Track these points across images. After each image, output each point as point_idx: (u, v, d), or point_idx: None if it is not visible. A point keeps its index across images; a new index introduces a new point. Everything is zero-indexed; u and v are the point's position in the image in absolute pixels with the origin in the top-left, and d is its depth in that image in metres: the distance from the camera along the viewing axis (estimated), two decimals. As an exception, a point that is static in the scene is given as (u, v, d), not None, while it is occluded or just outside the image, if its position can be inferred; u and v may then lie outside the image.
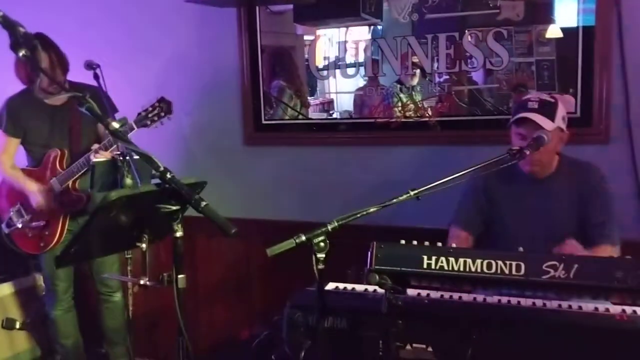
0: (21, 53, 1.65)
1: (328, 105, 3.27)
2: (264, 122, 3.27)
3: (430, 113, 2.93)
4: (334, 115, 3.23)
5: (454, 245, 1.74)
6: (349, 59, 3.15)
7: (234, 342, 3.35)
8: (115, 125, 1.58)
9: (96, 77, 2.91)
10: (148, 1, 3.46)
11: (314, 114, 3.25)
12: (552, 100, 2.28)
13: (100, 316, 3.25)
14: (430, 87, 2.95)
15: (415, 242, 1.70)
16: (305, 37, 3.23)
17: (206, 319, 3.46)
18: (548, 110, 2.21)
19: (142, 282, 1.65)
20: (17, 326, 3.38)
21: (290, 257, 1.64)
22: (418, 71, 2.94)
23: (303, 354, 1.79)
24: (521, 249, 1.67)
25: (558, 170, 2.33)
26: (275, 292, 3.21)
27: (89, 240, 1.61)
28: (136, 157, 2.55)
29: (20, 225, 3.04)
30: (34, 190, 2.97)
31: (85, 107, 1.56)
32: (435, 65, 2.90)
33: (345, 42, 3.15)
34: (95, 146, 2.82)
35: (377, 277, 1.66)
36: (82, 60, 2.94)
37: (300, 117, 3.23)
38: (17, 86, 3.06)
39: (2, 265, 3.57)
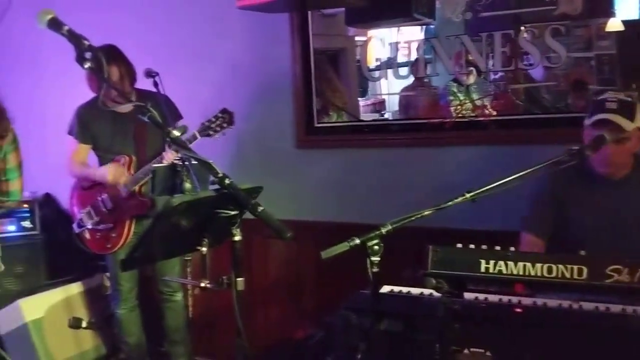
0: (86, 65, 1.73)
1: (379, 106, 3.27)
2: (316, 125, 3.30)
3: (486, 112, 2.88)
4: (386, 116, 3.22)
5: (512, 249, 1.71)
6: (401, 59, 3.14)
7: (288, 343, 3.39)
8: (176, 133, 1.64)
9: (155, 84, 3.00)
10: (203, 9, 3.54)
11: (365, 115, 3.25)
12: (630, 99, 2.19)
13: (162, 316, 3.35)
14: (485, 86, 2.91)
15: (472, 246, 1.68)
16: (357, 38, 3.24)
17: (261, 319, 3.52)
18: (627, 110, 2.13)
19: (202, 284, 1.70)
20: (83, 325, 3.49)
21: (343, 258, 1.65)
22: (473, 70, 2.90)
23: (359, 356, 1.80)
24: (583, 252, 1.63)
25: (633, 171, 2.25)
26: (328, 293, 3.23)
27: (152, 244, 1.67)
28: (194, 162, 2.64)
29: (89, 227, 3.18)
30: (103, 168, 3.08)
31: (147, 116, 1.62)
32: (491, 63, 2.85)
33: (397, 42, 3.14)
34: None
35: (434, 280, 1.65)
36: (140, 68, 3.06)
37: (352, 119, 3.24)
38: (90, 94, 3.18)
39: (70, 266, 3.73)
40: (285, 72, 3.33)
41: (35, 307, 3.42)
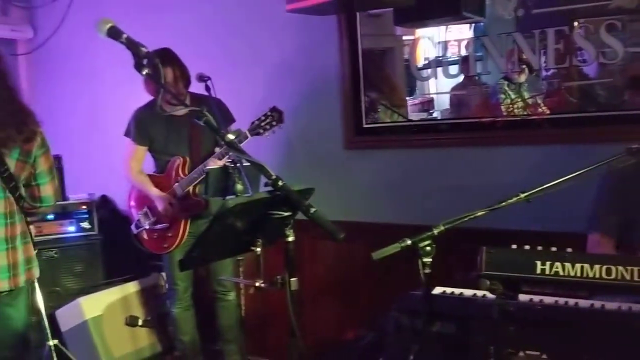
0: (144, 72, 1.79)
1: (428, 105, 3.25)
2: (364, 125, 3.30)
3: (539, 110, 2.83)
4: (434, 115, 3.20)
5: (569, 250, 1.68)
6: (451, 57, 3.11)
7: (338, 343, 3.41)
8: (231, 136, 1.68)
9: (207, 88, 3.07)
10: (252, 12, 3.60)
11: (414, 115, 3.23)
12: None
13: (215, 315, 3.42)
14: (538, 84, 2.85)
15: (527, 247, 1.65)
16: (405, 38, 3.23)
17: (311, 319, 3.54)
18: None
19: (256, 284, 1.74)
20: (140, 323, 3.59)
21: (393, 259, 1.65)
22: (526, 67, 2.85)
23: (412, 358, 1.79)
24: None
25: None
26: (378, 294, 3.23)
27: (208, 245, 1.71)
28: (246, 164, 2.69)
29: (147, 227, 3.29)
30: (156, 196, 3.19)
31: (203, 120, 1.67)
32: (543, 60, 2.80)
33: (446, 41, 3.11)
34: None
35: (488, 282, 1.64)
36: (192, 73, 3.14)
37: (401, 119, 3.23)
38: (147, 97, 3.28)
39: (127, 266, 3.85)
40: (334, 73, 3.35)
41: (94, 305, 3.54)
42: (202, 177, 3.05)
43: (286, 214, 1.62)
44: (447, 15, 2.97)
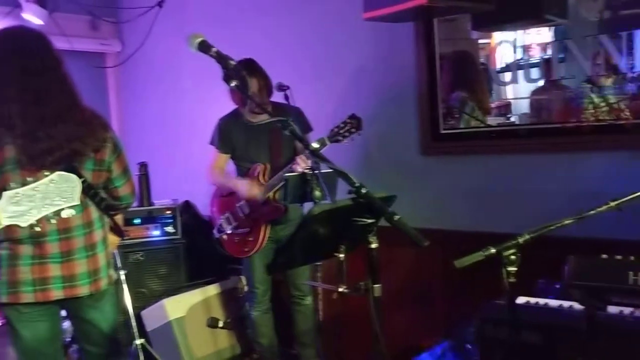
0: (232, 84, 1.87)
1: (505, 109, 3.19)
2: (442, 131, 3.28)
3: (625, 114, 2.72)
4: (512, 119, 3.13)
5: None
6: (531, 61, 3.04)
7: (415, 351, 3.38)
8: (315, 145, 1.72)
9: (286, 97, 3.15)
10: (329, 21, 3.66)
11: (491, 119, 3.18)
12: None
13: (293, 319, 3.48)
14: (624, 87, 2.74)
15: (618, 257, 1.61)
16: (481, 41, 3.19)
17: (387, 326, 3.53)
18: None
19: (339, 289, 1.77)
20: (220, 325, 3.70)
21: (472, 267, 1.64)
22: (611, 71, 2.75)
23: (496, 366, 1.78)
24: None
25: None
26: (456, 302, 3.20)
27: (293, 251, 1.76)
28: (324, 171, 2.74)
29: (229, 231, 3.39)
30: (242, 183, 3.26)
31: (289, 130, 1.72)
32: (631, 63, 2.69)
33: (526, 44, 3.05)
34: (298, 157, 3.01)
35: (576, 292, 1.60)
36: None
37: (479, 124, 3.19)
38: (228, 106, 3.39)
39: (208, 269, 3.99)
40: (410, 79, 3.34)
41: (178, 306, 3.67)
42: (281, 184, 3.12)
43: (369, 220, 1.64)
44: (528, 19, 2.91)
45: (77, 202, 1.32)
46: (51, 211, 1.29)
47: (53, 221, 1.30)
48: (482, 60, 3.17)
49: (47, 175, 2.16)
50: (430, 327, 3.34)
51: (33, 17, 4.18)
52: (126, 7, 4.79)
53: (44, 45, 2.32)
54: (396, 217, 1.57)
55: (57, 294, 2.28)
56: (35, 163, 2.17)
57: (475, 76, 3.23)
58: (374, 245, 1.67)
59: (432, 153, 3.33)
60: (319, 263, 2.63)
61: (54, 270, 2.27)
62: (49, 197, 1.29)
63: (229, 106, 3.38)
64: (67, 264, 2.29)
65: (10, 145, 2.17)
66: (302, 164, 2.96)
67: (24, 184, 2.16)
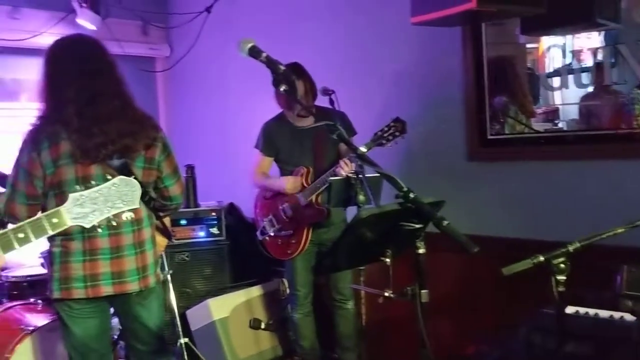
0: (282, 88, 1.90)
1: (552, 115, 3.13)
2: (489, 137, 3.24)
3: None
4: (559, 125, 3.07)
5: None
6: (580, 66, 2.98)
7: (459, 358, 3.34)
8: (363, 149, 1.73)
9: (331, 102, 3.16)
10: (375, 25, 3.66)
11: (538, 125, 3.12)
12: None
13: (334, 323, 3.48)
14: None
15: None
16: (528, 45, 3.14)
17: (430, 332, 3.51)
18: None
19: (386, 294, 1.77)
20: (262, 326, 3.74)
21: (519, 275, 1.62)
22: (667, 76, 2.68)
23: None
24: None
25: None
26: (502, 310, 3.14)
27: (340, 254, 1.77)
28: (368, 175, 2.74)
29: (271, 234, 3.43)
30: (284, 179, 3.30)
31: (336, 134, 1.74)
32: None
33: (575, 48, 2.99)
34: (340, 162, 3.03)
35: (628, 302, 1.56)
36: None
37: (526, 130, 3.14)
38: (273, 110, 3.44)
39: (251, 271, 4.04)
40: (457, 83, 3.31)
41: (221, 306, 3.74)
42: (324, 187, 3.14)
43: (417, 225, 1.64)
44: (580, 23, 2.85)
45: (137, 205, 1.37)
46: (112, 213, 1.34)
47: (114, 223, 1.35)
48: (528, 64, 3.12)
49: (99, 170, 2.27)
50: (476, 335, 3.29)
51: (87, 23, 4.32)
52: (176, 13, 4.90)
53: (99, 50, 2.45)
54: (445, 223, 1.57)
55: (107, 289, 2.35)
56: (89, 157, 2.28)
57: (515, 80, 3.18)
58: (421, 251, 1.67)
59: (479, 159, 3.29)
60: (362, 267, 2.63)
61: (104, 266, 2.34)
62: (110, 200, 1.34)
63: (274, 110, 3.43)
64: (116, 260, 2.36)
65: (65, 141, 2.27)
66: (345, 168, 2.97)
67: (77, 178, 2.27)
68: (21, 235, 1.30)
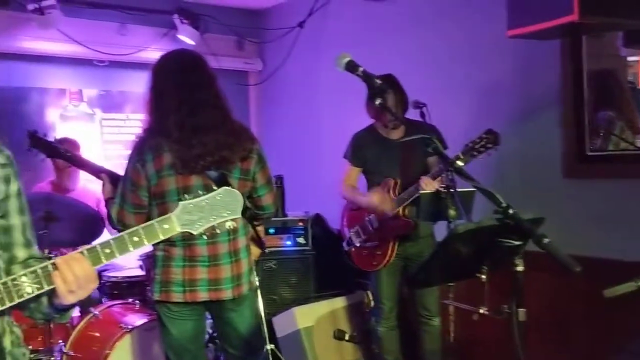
0: (377, 102, 1.92)
1: (656, 131, 2.97)
2: (588, 153, 3.11)
3: None
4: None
5: None
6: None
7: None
8: (460, 163, 1.72)
9: (422, 115, 3.14)
10: (470, 38, 3.63)
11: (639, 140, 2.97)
12: None
13: (419, 338, 3.44)
14: None
15: None
16: (629, 58, 3.00)
17: (524, 352, 3.39)
18: None
19: (481, 311, 1.74)
20: (346, 338, 3.75)
21: (618, 297, 1.55)
22: None
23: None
24: None
25: None
26: (600, 333, 3.00)
27: (434, 269, 1.76)
28: (460, 189, 2.70)
29: (357, 245, 3.44)
30: (372, 199, 3.27)
31: (432, 147, 1.74)
32: None
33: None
34: (424, 177, 3.01)
35: None
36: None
37: (631, 147, 2.98)
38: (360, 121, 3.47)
39: (335, 282, 4.07)
40: (553, 96, 3.21)
41: (307, 315, 3.77)
42: (412, 199, 3.12)
43: (517, 242, 1.60)
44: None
45: (239, 215, 1.44)
46: (217, 222, 1.41)
47: (217, 231, 1.42)
48: (629, 78, 2.98)
49: (199, 181, 2.37)
50: (570, 356, 3.16)
51: (186, 38, 4.55)
52: (269, 28, 5.06)
53: (201, 64, 2.56)
54: (546, 240, 1.53)
55: (203, 295, 2.45)
56: (188, 167, 2.39)
57: (622, 94, 3.04)
58: (519, 268, 1.63)
59: (576, 175, 3.17)
60: (452, 284, 2.59)
61: (202, 273, 2.44)
62: (216, 209, 1.41)
63: (362, 122, 3.44)
64: (213, 268, 2.45)
65: (167, 152, 2.40)
66: (426, 188, 2.94)
67: (178, 188, 2.39)
68: (136, 239, 1.39)
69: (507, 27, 2.69)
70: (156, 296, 2.50)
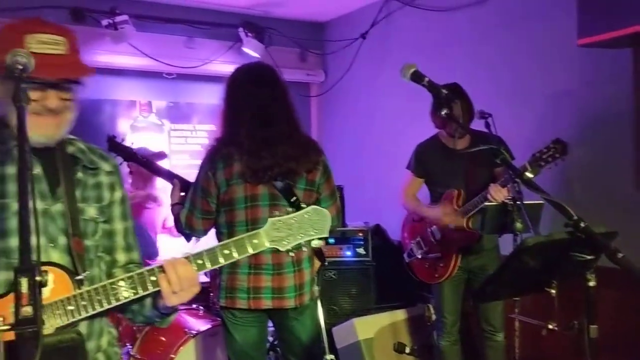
0: (443, 112, 1.91)
1: None
2: (662, 164, 2.99)
3: None
4: None
5: None
6: None
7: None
8: (529, 175, 1.68)
9: (487, 125, 3.09)
10: (533, 46, 3.56)
11: None
12: None
13: (483, 354, 3.37)
14: None
15: None
16: None
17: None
18: None
19: (550, 326, 1.70)
20: (407, 351, 3.71)
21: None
22: None
23: None
24: None
25: None
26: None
27: (503, 282, 1.73)
28: (527, 202, 2.63)
29: (419, 256, 3.41)
30: (435, 211, 3.25)
31: (500, 158, 1.71)
32: None
33: None
34: (492, 185, 2.95)
35: None
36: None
37: None
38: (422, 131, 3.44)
39: (396, 294, 4.04)
40: (625, 106, 3.12)
41: (367, 327, 3.76)
42: (476, 210, 3.07)
43: (589, 257, 1.56)
44: None
45: (326, 234, 1.47)
46: (304, 240, 1.45)
47: (304, 249, 1.46)
48: None
49: (265, 190, 2.42)
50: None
51: (251, 51, 4.66)
52: (332, 40, 5.12)
53: (274, 76, 2.62)
54: (620, 255, 1.47)
55: (266, 303, 2.49)
56: (257, 177, 2.46)
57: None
58: (592, 283, 1.58)
59: (650, 189, 3.05)
60: (517, 298, 2.52)
61: (266, 281, 2.49)
62: (303, 227, 1.44)
63: (425, 133, 3.42)
64: (277, 276, 2.49)
65: (238, 162, 2.46)
66: (495, 196, 2.88)
67: (246, 197, 2.44)
68: (226, 252, 1.44)
69: (577, 36, 2.64)
70: (221, 302, 2.56)
